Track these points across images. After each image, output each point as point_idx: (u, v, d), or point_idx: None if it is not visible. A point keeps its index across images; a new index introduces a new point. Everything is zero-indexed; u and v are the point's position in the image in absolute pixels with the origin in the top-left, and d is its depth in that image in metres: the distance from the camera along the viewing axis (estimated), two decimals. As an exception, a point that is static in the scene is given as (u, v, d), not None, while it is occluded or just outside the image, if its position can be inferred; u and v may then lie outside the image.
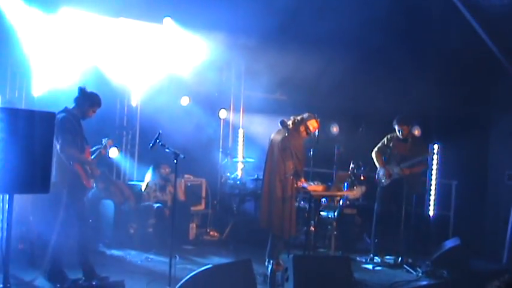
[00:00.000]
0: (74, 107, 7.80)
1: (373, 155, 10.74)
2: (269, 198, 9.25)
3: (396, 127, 10.56)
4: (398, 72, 11.44)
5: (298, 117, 9.37)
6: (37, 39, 9.88)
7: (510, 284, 4.07)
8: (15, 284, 6.96)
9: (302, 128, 9.33)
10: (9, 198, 5.67)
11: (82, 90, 7.86)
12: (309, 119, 9.36)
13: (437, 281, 9.32)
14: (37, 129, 5.77)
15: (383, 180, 10.52)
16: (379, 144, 10.76)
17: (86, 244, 8.03)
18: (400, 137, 10.56)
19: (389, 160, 10.59)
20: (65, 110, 7.70)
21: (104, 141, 8.39)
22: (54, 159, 7.24)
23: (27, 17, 9.74)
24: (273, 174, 9.27)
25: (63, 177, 7.52)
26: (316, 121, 9.41)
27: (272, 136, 9.42)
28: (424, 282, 9.28)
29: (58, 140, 7.37)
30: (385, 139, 10.72)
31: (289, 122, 9.26)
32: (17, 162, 5.59)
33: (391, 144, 10.61)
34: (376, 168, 10.74)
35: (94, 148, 8.25)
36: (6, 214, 5.79)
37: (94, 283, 7.37)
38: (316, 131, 9.49)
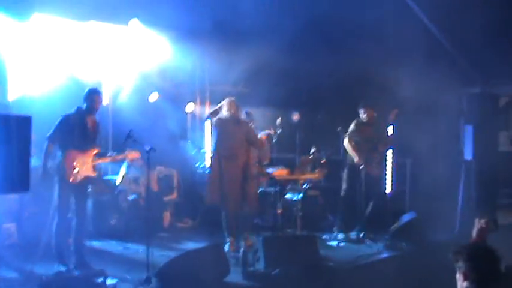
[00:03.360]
0: (83, 105, 7.97)
1: (346, 143, 10.78)
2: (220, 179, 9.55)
3: (361, 111, 10.69)
4: (356, 60, 11.44)
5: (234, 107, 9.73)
6: (11, 46, 9.73)
7: (471, 251, 4.15)
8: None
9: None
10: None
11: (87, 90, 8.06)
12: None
13: (397, 253, 9.46)
14: (13, 132, 5.72)
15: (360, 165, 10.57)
16: (349, 132, 10.80)
17: (80, 236, 8.07)
18: (365, 120, 10.70)
19: (359, 145, 10.68)
20: (75, 110, 7.94)
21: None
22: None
23: (0, 24, 9.60)
24: (232, 157, 9.55)
25: (54, 164, 7.76)
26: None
27: (224, 120, 9.71)
28: (385, 255, 9.43)
29: None
30: (352, 126, 10.79)
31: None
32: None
33: (359, 129, 10.71)
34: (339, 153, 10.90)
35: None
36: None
37: (77, 273, 7.35)
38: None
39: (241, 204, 9.59)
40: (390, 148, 11.34)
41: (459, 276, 4.13)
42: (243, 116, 10.01)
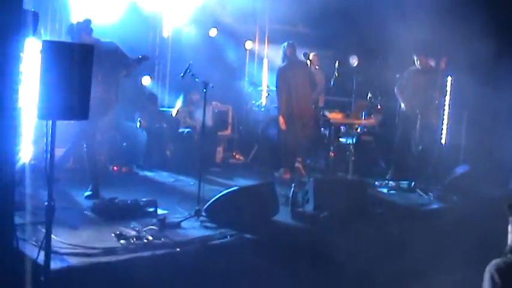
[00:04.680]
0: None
1: (396, 91, 10.65)
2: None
3: (415, 59, 10.49)
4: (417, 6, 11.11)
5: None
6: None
7: None
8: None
9: None
10: (52, 124, 5.71)
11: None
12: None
13: (448, 205, 9.35)
14: (76, 60, 5.73)
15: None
16: (399, 80, 10.63)
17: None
18: (419, 68, 10.49)
19: (415, 94, 10.45)
20: None
21: None
22: None
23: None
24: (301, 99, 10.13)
25: None
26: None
27: (285, 66, 10.21)
28: (436, 206, 9.31)
29: None
30: (405, 74, 10.59)
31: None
32: (58, 92, 5.58)
33: (413, 78, 10.50)
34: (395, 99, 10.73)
35: None
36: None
37: (129, 201, 7.44)
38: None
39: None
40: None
41: (511, 229, 4.08)
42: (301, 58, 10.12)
